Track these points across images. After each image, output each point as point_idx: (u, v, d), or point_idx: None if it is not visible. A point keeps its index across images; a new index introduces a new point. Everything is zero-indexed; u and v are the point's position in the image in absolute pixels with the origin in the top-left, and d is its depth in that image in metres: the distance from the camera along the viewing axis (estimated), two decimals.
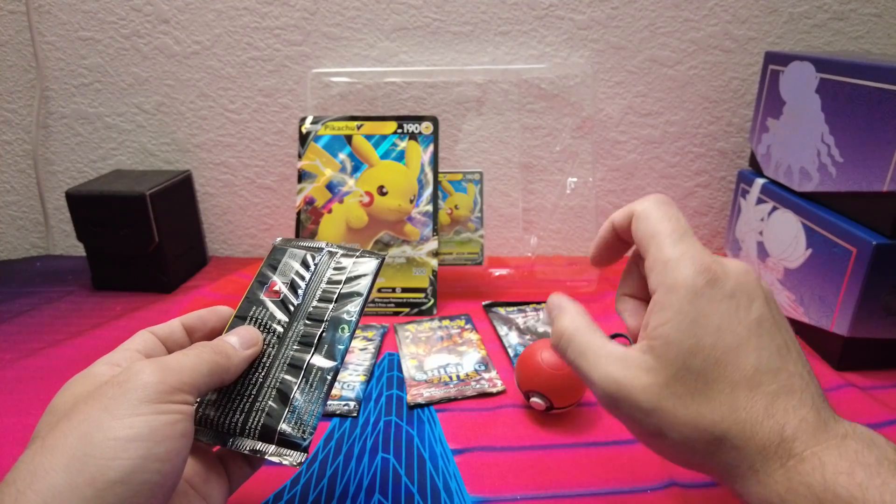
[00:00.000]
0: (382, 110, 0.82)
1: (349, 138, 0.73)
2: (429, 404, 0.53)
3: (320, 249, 0.40)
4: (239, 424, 0.33)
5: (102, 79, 0.83)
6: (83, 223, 0.73)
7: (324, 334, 0.36)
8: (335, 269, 0.39)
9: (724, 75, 0.81)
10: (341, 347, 0.36)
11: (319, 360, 0.35)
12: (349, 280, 0.38)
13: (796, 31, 0.79)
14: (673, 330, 0.28)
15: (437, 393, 0.54)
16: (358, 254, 0.40)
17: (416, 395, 0.54)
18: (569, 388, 0.49)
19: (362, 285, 0.38)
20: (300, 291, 0.38)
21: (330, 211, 0.72)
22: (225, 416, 0.33)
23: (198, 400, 0.34)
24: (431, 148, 0.72)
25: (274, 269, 0.39)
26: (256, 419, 0.33)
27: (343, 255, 0.40)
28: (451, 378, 0.56)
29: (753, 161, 0.75)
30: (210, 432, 0.34)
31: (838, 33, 0.79)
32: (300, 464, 0.33)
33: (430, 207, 0.72)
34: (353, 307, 0.37)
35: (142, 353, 0.33)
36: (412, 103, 0.82)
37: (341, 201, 0.72)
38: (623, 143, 0.85)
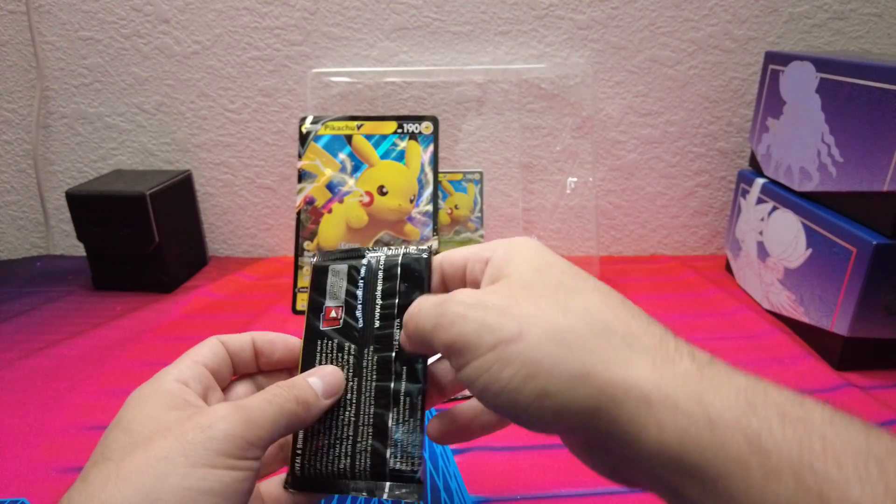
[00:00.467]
0: (382, 110, 0.83)
1: (349, 138, 0.73)
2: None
3: (361, 256, 0.35)
4: (347, 468, 0.31)
5: (103, 79, 0.83)
6: (83, 223, 0.74)
7: (398, 357, 0.33)
8: (384, 278, 0.34)
9: (725, 75, 0.81)
10: (419, 367, 0.33)
11: (404, 386, 0.32)
12: (403, 290, 0.34)
13: (796, 31, 0.79)
14: (517, 269, 0.28)
15: None
16: (402, 256, 0.35)
17: None
18: None
19: (417, 292, 0.34)
20: (358, 314, 0.34)
21: (330, 211, 0.72)
22: (330, 464, 0.32)
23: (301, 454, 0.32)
24: (431, 148, 0.73)
25: (322, 292, 0.35)
26: (363, 460, 0.31)
27: (387, 259, 0.35)
28: None
29: (753, 161, 0.75)
30: (316, 483, 0.32)
31: (838, 33, 0.80)
32: (421, 498, 0.31)
33: (430, 207, 0.72)
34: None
35: (209, 369, 0.31)
36: (412, 103, 0.82)
37: (341, 201, 0.72)
38: (623, 143, 0.85)
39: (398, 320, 0.33)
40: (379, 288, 0.34)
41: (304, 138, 0.73)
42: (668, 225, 0.90)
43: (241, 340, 0.33)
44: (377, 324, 0.34)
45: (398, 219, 0.72)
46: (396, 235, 0.72)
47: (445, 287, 0.33)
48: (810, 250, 0.61)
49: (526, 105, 0.82)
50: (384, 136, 0.73)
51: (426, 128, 0.73)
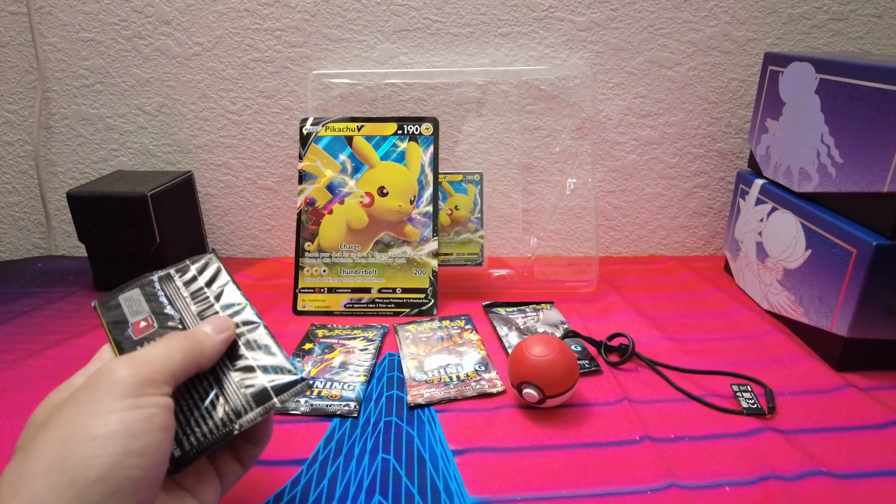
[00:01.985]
0: (383, 111, 0.83)
1: (350, 139, 0.73)
2: (429, 405, 0.53)
3: (149, 281, 0.39)
4: (230, 413, 0.34)
5: (104, 80, 0.83)
6: (85, 224, 0.74)
7: (230, 317, 0.38)
8: (185, 283, 0.39)
9: (724, 76, 0.81)
10: (251, 311, 0.38)
11: (246, 331, 0.37)
12: (208, 284, 0.40)
13: (796, 32, 0.79)
14: None
15: (437, 393, 0.54)
16: (190, 262, 0.41)
17: (416, 395, 0.54)
18: (558, 375, 0.49)
19: (219, 279, 0.40)
20: (170, 311, 0.38)
21: (331, 212, 0.72)
22: (209, 421, 0.33)
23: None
24: (431, 149, 0.73)
25: (122, 318, 0.37)
26: (242, 397, 0.34)
27: (177, 271, 0.40)
28: (451, 378, 0.57)
29: (753, 162, 0.76)
30: (209, 440, 0.33)
31: (838, 34, 0.80)
32: (305, 381, 0.36)
33: (430, 208, 0.72)
34: (231, 292, 0.39)
35: None
36: (412, 104, 0.83)
37: (342, 202, 0.73)
38: (622, 144, 0.85)
39: (211, 297, 0.39)
40: (180, 286, 0.39)
41: (304, 139, 0.74)
42: (667, 226, 0.90)
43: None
44: (194, 307, 0.38)
45: (398, 219, 0.72)
46: (397, 236, 0.72)
47: None
48: (810, 251, 0.61)
49: (525, 106, 0.82)
50: (384, 138, 0.73)
51: (426, 129, 0.73)
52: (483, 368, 0.58)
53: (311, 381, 0.36)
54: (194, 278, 0.40)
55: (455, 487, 0.43)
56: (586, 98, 0.80)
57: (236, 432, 0.33)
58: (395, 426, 0.50)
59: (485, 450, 0.47)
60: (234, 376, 0.35)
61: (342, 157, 0.73)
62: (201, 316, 0.37)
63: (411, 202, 0.72)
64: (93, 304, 0.38)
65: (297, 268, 0.73)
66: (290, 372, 0.36)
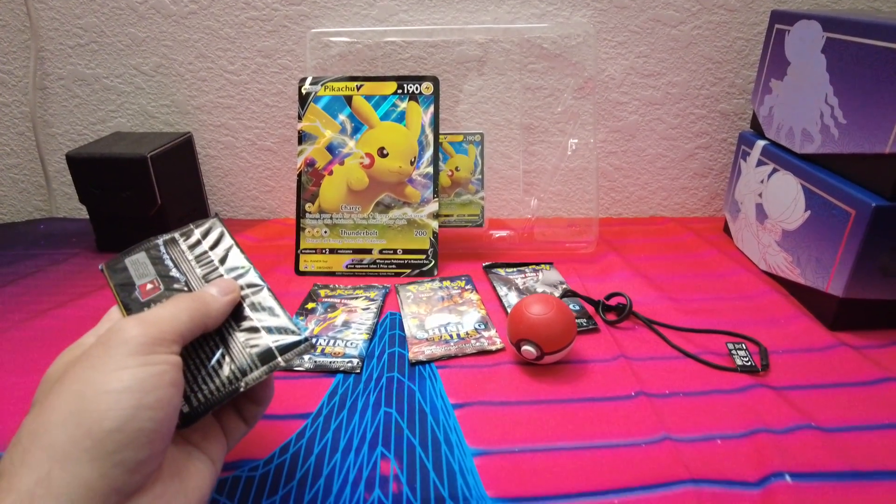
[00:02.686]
0: (382, 70, 0.82)
1: (349, 99, 0.72)
2: (430, 361, 0.54)
3: (154, 245, 0.40)
4: (236, 371, 0.35)
5: (98, 39, 0.82)
6: (85, 186, 0.74)
7: (234, 280, 0.39)
8: (189, 247, 0.40)
9: (729, 35, 0.80)
10: (255, 274, 0.39)
11: (251, 293, 0.38)
12: (212, 247, 0.40)
13: None
14: None
15: (437, 350, 0.55)
16: (193, 226, 0.41)
17: (417, 352, 0.55)
18: (555, 332, 0.50)
19: (223, 243, 0.41)
20: (175, 273, 0.38)
21: (331, 173, 0.72)
22: (216, 378, 0.34)
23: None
24: (432, 109, 0.72)
25: (129, 281, 0.38)
26: (247, 356, 0.35)
27: (181, 235, 0.41)
28: (451, 336, 0.58)
29: (755, 123, 0.75)
30: (216, 397, 0.34)
31: None
32: (308, 341, 0.37)
33: (430, 169, 0.72)
34: (235, 256, 0.40)
35: None
36: (412, 63, 0.82)
37: (342, 163, 0.72)
38: (624, 105, 0.84)
39: (216, 260, 0.39)
40: (184, 249, 0.40)
41: (303, 99, 0.73)
42: (668, 187, 0.90)
43: None
44: (199, 270, 0.39)
45: (399, 181, 0.72)
46: (397, 197, 0.72)
47: None
48: (809, 212, 0.61)
49: (527, 65, 0.81)
50: (384, 97, 0.72)
51: (427, 88, 0.72)
52: (483, 327, 0.59)
53: (313, 342, 0.37)
54: (198, 242, 0.40)
55: (455, 439, 0.45)
56: (589, 57, 0.79)
57: (242, 389, 0.35)
58: (396, 381, 0.51)
59: (484, 404, 0.49)
60: (240, 337, 0.36)
61: (341, 117, 0.72)
62: (206, 279, 0.38)
63: (411, 163, 0.72)
64: (100, 267, 0.39)
65: (299, 229, 0.73)
66: (293, 333, 0.37)
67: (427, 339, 0.57)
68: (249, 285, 0.38)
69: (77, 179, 0.73)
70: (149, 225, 0.75)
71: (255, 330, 0.36)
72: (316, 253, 0.73)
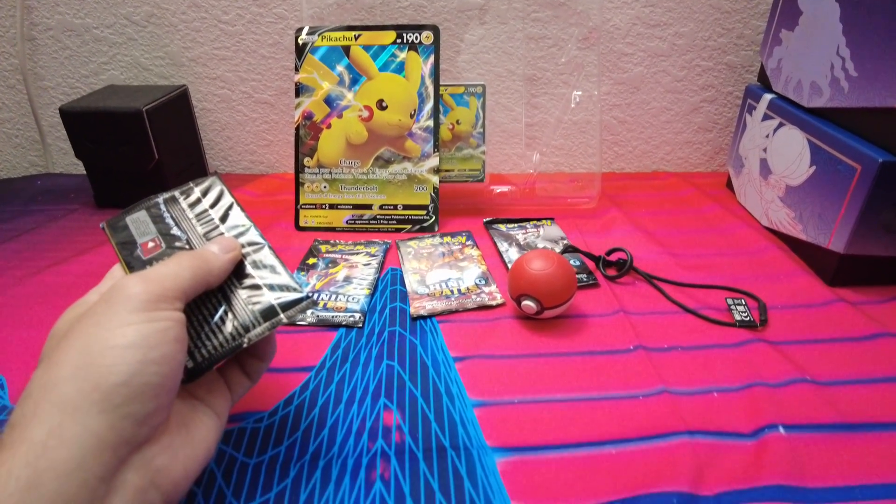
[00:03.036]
0: (381, 19, 0.79)
1: (347, 49, 0.71)
2: (431, 316, 0.55)
3: (154, 203, 0.40)
4: (239, 327, 0.35)
5: None
6: (80, 140, 0.73)
7: (235, 238, 0.39)
8: (189, 205, 0.40)
9: None
10: (256, 232, 0.39)
11: (252, 251, 0.38)
12: (212, 206, 0.40)
13: None
14: None
15: (438, 305, 0.56)
16: (193, 184, 0.41)
17: (418, 307, 0.56)
18: (556, 288, 0.51)
19: (224, 202, 0.40)
20: (176, 231, 0.38)
21: (329, 126, 0.71)
22: (219, 334, 0.35)
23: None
24: (432, 59, 0.70)
25: (130, 239, 0.38)
26: (250, 313, 0.36)
27: (181, 193, 0.41)
28: (452, 292, 0.58)
29: (763, 76, 0.73)
30: (220, 352, 0.35)
31: None
32: (309, 298, 0.37)
33: (430, 122, 0.71)
34: (236, 215, 0.40)
35: None
36: (412, 11, 0.79)
37: (340, 116, 0.71)
38: (630, 56, 0.82)
39: (216, 219, 0.39)
40: (185, 208, 0.40)
41: (300, 50, 0.71)
42: (672, 141, 0.88)
43: None
44: (200, 228, 0.39)
45: (398, 134, 0.71)
46: (397, 152, 0.71)
47: None
48: (814, 168, 0.61)
49: (531, 14, 0.79)
50: (383, 47, 0.70)
51: (427, 38, 0.70)
52: (483, 282, 0.59)
53: (315, 299, 0.37)
54: (198, 200, 0.40)
55: (456, 391, 0.45)
56: (593, 6, 0.77)
57: (245, 345, 0.35)
58: (398, 335, 0.52)
59: (484, 357, 0.49)
60: (242, 294, 0.36)
61: (339, 68, 0.71)
62: (207, 237, 0.38)
63: (411, 116, 0.71)
64: (101, 226, 0.39)
65: (298, 184, 0.73)
66: (295, 290, 0.37)
67: (428, 295, 0.58)
68: (250, 243, 0.38)
69: (72, 134, 0.72)
70: (146, 180, 0.74)
71: (257, 287, 0.37)
72: (316, 208, 0.73)
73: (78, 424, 0.25)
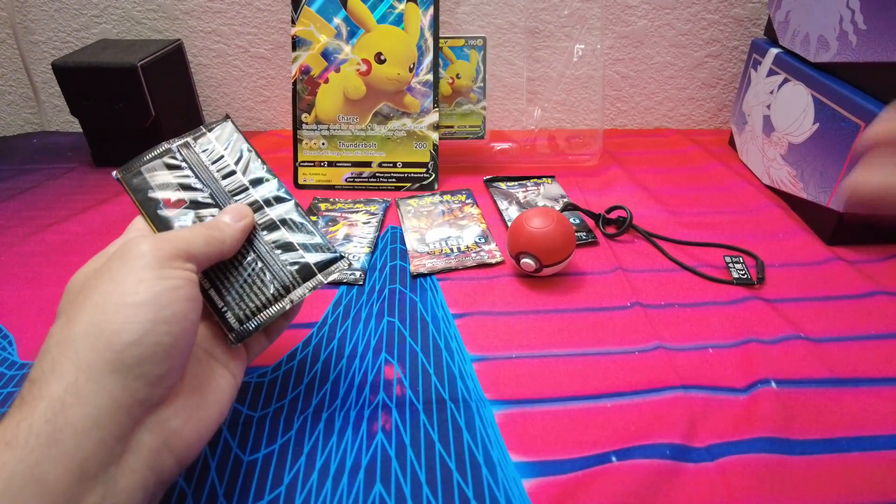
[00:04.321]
0: None
1: (344, 1, 0.69)
2: (431, 274, 0.55)
3: (168, 150, 0.38)
4: (280, 288, 0.36)
5: None
6: (75, 97, 0.71)
7: (259, 194, 0.38)
8: (205, 151, 0.38)
9: None
10: (282, 188, 0.39)
11: (278, 209, 0.38)
12: (227, 150, 0.39)
13: None
14: None
15: (438, 263, 0.56)
16: (205, 128, 0.40)
17: (418, 265, 0.56)
18: (554, 245, 0.51)
19: (238, 146, 0.39)
20: (198, 185, 0.37)
21: (327, 81, 0.70)
22: (261, 295, 0.35)
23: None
24: (431, 10, 0.68)
25: (149, 190, 0.36)
26: (288, 274, 0.36)
27: (195, 139, 0.39)
28: (452, 250, 0.58)
29: (769, 29, 0.72)
30: (262, 317, 0.35)
31: None
32: (344, 257, 0.38)
33: (430, 77, 0.70)
34: (255, 164, 0.39)
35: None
36: None
37: (338, 70, 0.70)
38: (634, 8, 0.80)
39: (239, 173, 0.38)
40: (204, 159, 0.38)
41: (296, 2, 0.69)
42: (675, 97, 0.87)
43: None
44: (223, 182, 0.38)
45: (397, 89, 0.70)
46: (396, 107, 0.70)
47: None
48: (817, 125, 0.60)
49: None
50: None
51: None
52: (483, 241, 0.60)
53: (348, 258, 0.37)
54: (213, 147, 0.39)
55: (455, 346, 0.46)
56: None
57: (288, 307, 0.36)
58: (398, 293, 0.52)
59: (483, 313, 0.50)
60: (278, 254, 0.36)
61: (336, 20, 0.69)
62: (232, 193, 0.37)
63: (410, 70, 0.69)
64: (115, 176, 0.37)
65: (296, 140, 0.72)
66: (328, 250, 0.37)
67: (428, 253, 0.58)
68: (277, 199, 0.38)
69: (66, 90, 0.71)
70: (144, 138, 0.73)
71: (291, 247, 0.37)
72: (314, 166, 0.72)
73: (93, 383, 0.26)
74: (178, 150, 0.38)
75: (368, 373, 0.44)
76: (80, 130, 0.76)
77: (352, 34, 0.69)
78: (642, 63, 0.84)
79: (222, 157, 0.39)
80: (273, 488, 0.36)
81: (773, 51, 0.69)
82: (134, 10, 0.82)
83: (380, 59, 0.69)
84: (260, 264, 0.36)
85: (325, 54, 0.69)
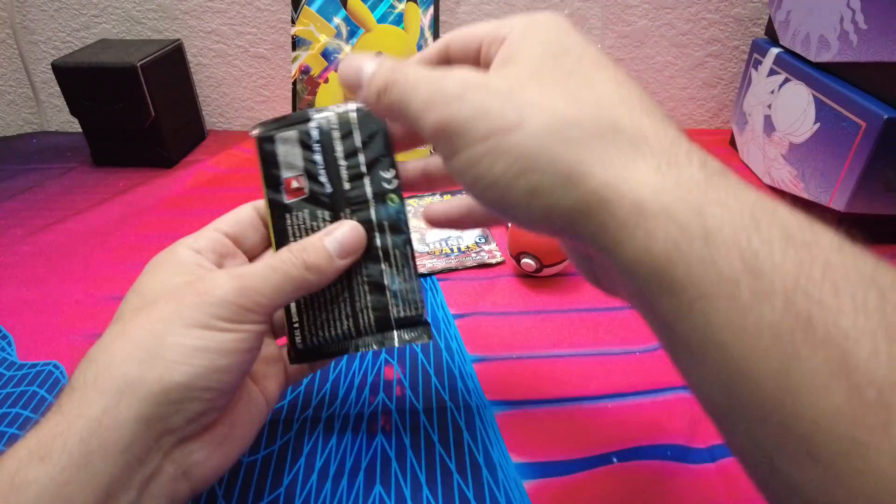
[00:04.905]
0: None
1: (344, 1, 0.69)
2: (431, 274, 0.55)
3: (308, 119, 0.33)
4: (351, 328, 0.33)
5: None
6: (74, 97, 0.71)
7: (377, 214, 0.33)
8: (342, 137, 0.33)
9: None
10: (402, 217, 0.33)
11: (390, 240, 0.33)
12: (365, 145, 0.33)
13: None
14: (530, 51, 0.24)
15: (438, 263, 0.56)
16: (355, 111, 0.34)
17: (418, 265, 0.56)
18: (555, 245, 0.51)
19: (380, 145, 0.33)
20: (323, 179, 0.33)
21: (326, 81, 0.70)
22: (332, 328, 0.33)
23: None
24: (431, 10, 0.68)
25: (276, 164, 0.33)
26: (366, 318, 0.33)
27: (339, 116, 0.34)
28: (452, 250, 0.58)
29: (770, 29, 0.71)
30: (320, 350, 0.33)
31: None
32: (430, 336, 0.33)
33: None
34: (386, 173, 0.33)
35: (230, 236, 0.33)
36: None
37: (338, 70, 0.70)
38: (634, 8, 0.80)
39: (368, 177, 0.33)
40: (338, 148, 0.33)
41: (296, 2, 0.69)
42: (676, 97, 0.87)
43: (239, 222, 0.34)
44: (347, 185, 0.33)
45: None
46: None
47: None
48: (818, 125, 0.60)
49: None
50: None
51: None
52: (483, 241, 0.60)
53: (430, 331, 0.34)
54: (351, 136, 0.33)
55: (455, 347, 0.46)
56: None
57: (350, 352, 0.33)
58: None
59: (483, 314, 0.50)
60: (366, 292, 0.33)
61: (336, 20, 0.69)
62: (349, 199, 0.32)
63: None
64: (252, 134, 0.33)
65: None
66: (416, 308, 0.33)
67: (428, 253, 0.58)
68: (393, 228, 0.33)
69: (66, 90, 0.71)
70: (143, 138, 0.73)
71: (381, 290, 0.32)
72: None
73: (133, 410, 0.25)
74: (317, 130, 0.33)
75: (368, 374, 0.44)
76: (80, 130, 0.76)
77: (352, 34, 0.69)
78: (643, 63, 0.84)
79: (356, 152, 0.33)
80: (273, 489, 0.36)
81: (774, 50, 0.69)
82: (134, 10, 0.82)
83: None
84: (346, 294, 0.32)
85: (325, 54, 0.69)
